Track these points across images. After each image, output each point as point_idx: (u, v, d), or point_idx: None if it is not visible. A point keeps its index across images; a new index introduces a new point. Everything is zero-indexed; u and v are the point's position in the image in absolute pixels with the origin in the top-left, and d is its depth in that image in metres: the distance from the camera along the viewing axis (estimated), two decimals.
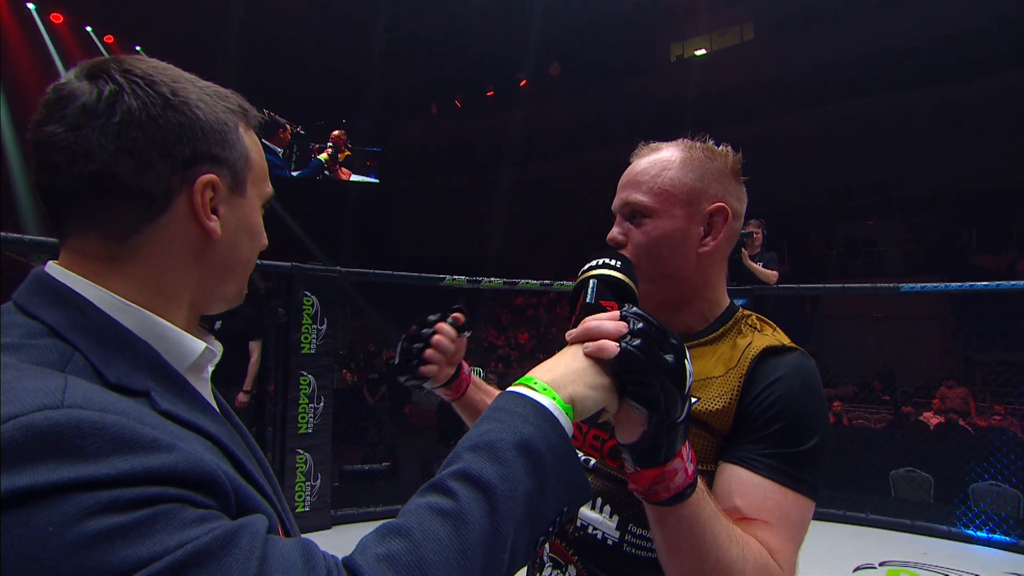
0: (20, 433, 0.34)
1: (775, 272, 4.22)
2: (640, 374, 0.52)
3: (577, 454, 0.49)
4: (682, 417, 0.55)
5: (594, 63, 15.09)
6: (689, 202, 0.79)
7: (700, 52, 15.01)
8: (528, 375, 0.52)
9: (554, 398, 0.49)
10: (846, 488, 4.03)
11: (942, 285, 4.27)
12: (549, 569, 0.82)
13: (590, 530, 0.78)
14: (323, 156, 15.58)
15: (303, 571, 0.37)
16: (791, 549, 0.67)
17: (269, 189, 0.59)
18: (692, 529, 0.60)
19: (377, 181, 16.52)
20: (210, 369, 0.56)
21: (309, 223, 14.35)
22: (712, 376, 0.76)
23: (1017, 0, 9.67)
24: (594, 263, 0.65)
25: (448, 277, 3.77)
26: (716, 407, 0.73)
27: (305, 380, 3.41)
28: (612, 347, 0.53)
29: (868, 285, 4.85)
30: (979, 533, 3.44)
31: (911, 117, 11.52)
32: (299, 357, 3.40)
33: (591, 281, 0.63)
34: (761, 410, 0.71)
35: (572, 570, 0.79)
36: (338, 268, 3.61)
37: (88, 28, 12.09)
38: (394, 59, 14.30)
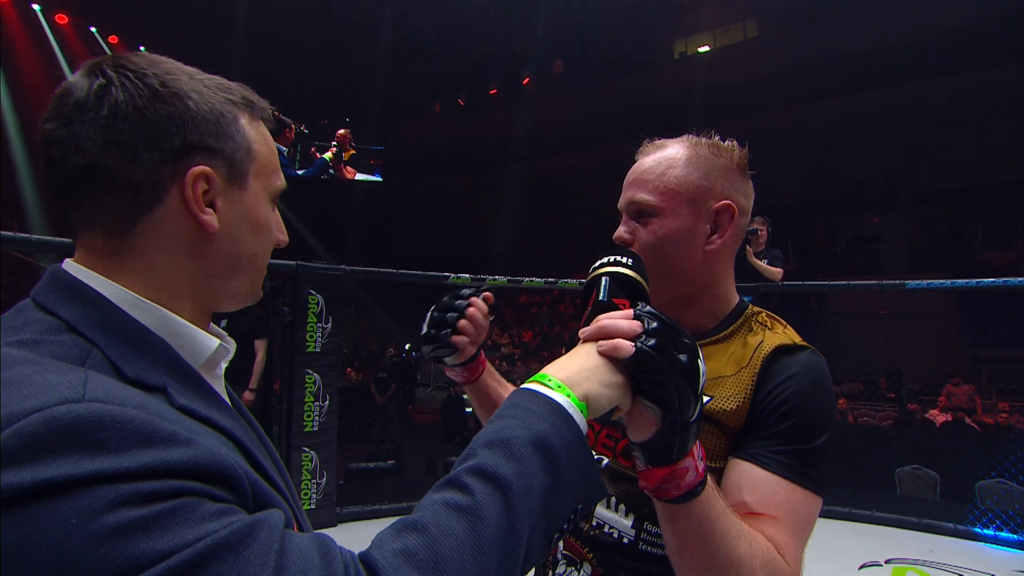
0: (44, 426, 0.34)
1: (780, 269, 4.21)
2: (655, 374, 0.52)
3: (591, 452, 0.50)
4: (695, 416, 0.55)
5: (597, 60, 15.04)
6: (695, 200, 0.79)
7: (704, 48, 14.93)
8: (542, 372, 0.52)
9: (569, 395, 0.49)
10: (852, 486, 4.01)
11: (948, 282, 4.24)
12: (563, 567, 0.82)
13: (606, 528, 0.78)
14: (328, 155, 15.60)
15: (320, 565, 0.37)
16: (798, 545, 0.68)
17: (279, 183, 0.58)
18: (702, 526, 0.60)
19: (381, 180, 16.54)
20: (223, 366, 0.57)
21: (313, 222, 14.38)
22: (724, 375, 0.76)
23: None
24: (605, 260, 0.65)
25: (452, 275, 3.78)
26: (730, 407, 0.73)
27: (310, 378, 3.42)
28: (627, 347, 0.53)
29: (874, 282, 4.83)
30: (986, 531, 3.42)
31: (917, 111, 11.44)
32: (304, 355, 3.41)
33: (603, 279, 0.63)
34: (773, 407, 0.72)
35: (587, 568, 0.79)
36: (342, 267, 3.62)
37: (92, 29, 12.14)
38: (397, 58, 14.31)
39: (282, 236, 0.59)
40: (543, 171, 16.49)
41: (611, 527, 0.78)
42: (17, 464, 0.33)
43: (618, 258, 0.64)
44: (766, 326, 0.82)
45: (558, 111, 15.93)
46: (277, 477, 0.51)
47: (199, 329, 0.52)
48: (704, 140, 0.83)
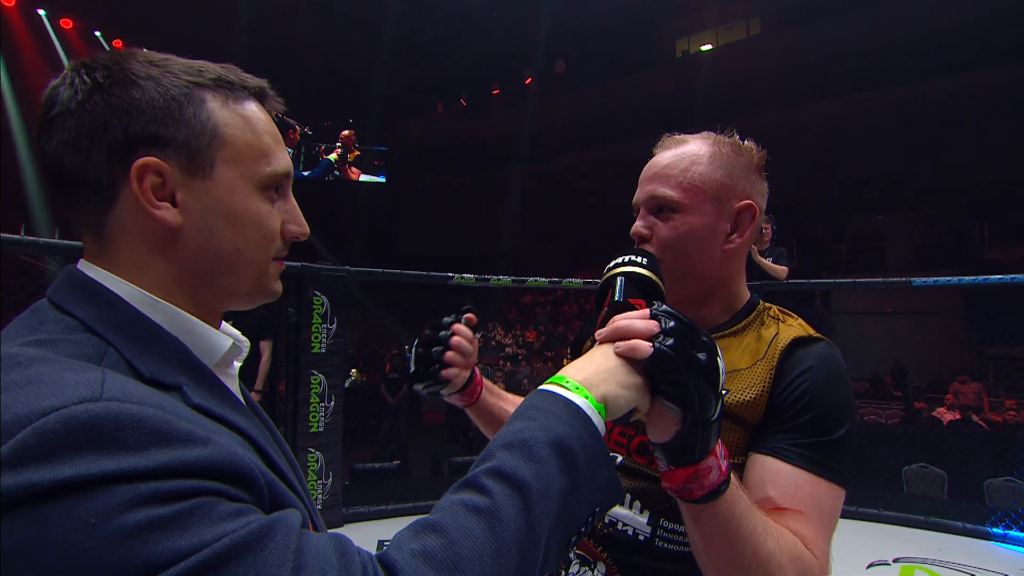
0: (62, 425, 0.34)
1: (785, 267, 4.20)
2: (674, 374, 0.52)
3: (610, 454, 0.49)
4: (716, 415, 0.55)
5: (599, 60, 15.03)
6: (719, 198, 0.78)
7: (706, 47, 14.90)
8: (560, 374, 0.52)
9: (587, 397, 0.49)
10: (858, 484, 3.99)
11: (955, 279, 4.22)
12: (576, 566, 0.81)
13: (619, 526, 0.78)
14: (333, 156, 15.64)
15: (338, 566, 0.37)
16: (825, 538, 0.67)
17: (268, 169, 0.52)
18: (728, 524, 0.59)
19: (384, 180, 16.57)
20: (237, 365, 0.56)
21: (317, 223, 14.34)
22: (739, 368, 0.76)
23: None
24: (620, 260, 0.64)
25: (456, 276, 3.78)
26: (747, 398, 0.73)
27: (316, 379, 3.43)
28: (645, 347, 0.52)
29: (879, 280, 4.81)
30: (995, 529, 3.40)
31: (921, 109, 11.38)
32: (309, 356, 3.42)
33: (618, 279, 0.62)
34: (791, 400, 0.72)
35: (601, 567, 0.79)
36: (346, 268, 3.63)
37: (97, 33, 12.21)
38: (398, 58, 14.32)
39: (295, 227, 0.55)
40: (545, 171, 16.48)
41: (625, 524, 0.77)
42: (36, 463, 0.33)
43: (633, 258, 0.64)
44: (779, 319, 0.81)
45: (560, 111, 15.93)
46: (292, 477, 0.51)
47: (212, 328, 0.51)
48: (726, 138, 0.82)
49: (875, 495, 3.83)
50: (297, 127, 15.07)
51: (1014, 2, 9.88)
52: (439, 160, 17.60)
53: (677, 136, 0.84)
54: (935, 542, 3.35)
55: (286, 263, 0.57)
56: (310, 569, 0.36)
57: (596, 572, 0.79)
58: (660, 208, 0.79)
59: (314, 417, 3.40)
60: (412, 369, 0.90)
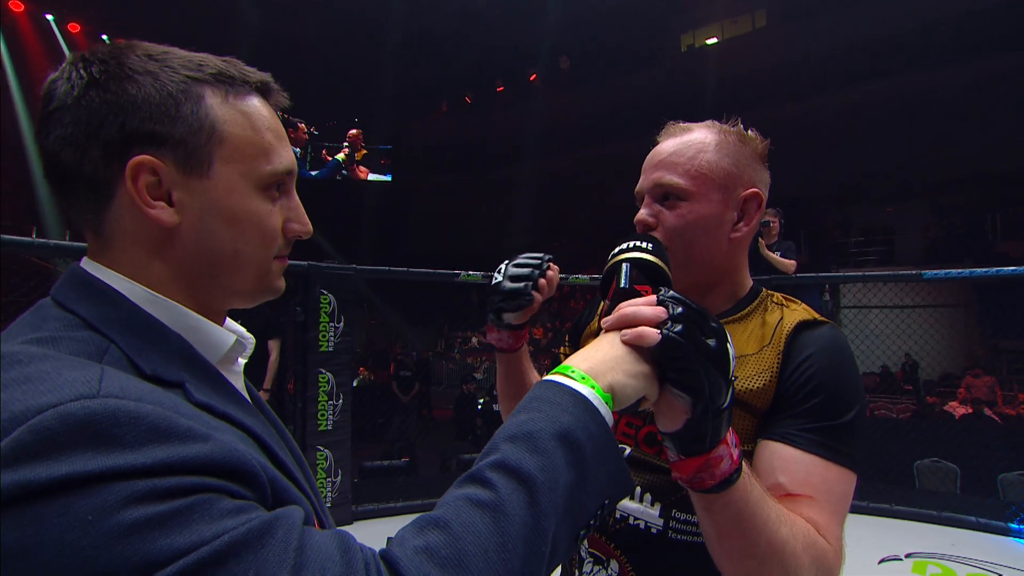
0: (58, 422, 0.34)
1: (793, 261, 4.16)
2: (683, 361, 0.51)
3: (618, 444, 0.48)
4: (727, 403, 0.53)
5: (604, 55, 14.97)
6: (726, 187, 0.77)
7: (712, 41, 14.78)
8: (565, 364, 0.51)
9: (593, 387, 0.48)
10: (870, 479, 3.96)
11: (966, 271, 4.15)
12: (590, 565, 0.80)
13: (631, 521, 0.76)
14: (340, 156, 15.70)
15: (340, 563, 0.36)
16: (838, 524, 0.66)
17: (268, 167, 0.50)
18: (741, 513, 0.58)
19: (389, 179, 16.61)
20: (242, 362, 0.56)
21: (324, 222, 14.46)
22: (746, 354, 0.75)
23: None
24: (624, 246, 0.63)
25: (463, 273, 3.78)
26: (756, 385, 0.72)
27: (324, 378, 3.44)
28: (653, 334, 0.51)
29: (890, 273, 4.75)
30: (1009, 524, 3.36)
31: (929, 100, 11.24)
32: (317, 355, 3.43)
33: (623, 265, 0.61)
34: (799, 385, 0.71)
35: (614, 564, 0.77)
36: (353, 266, 3.64)
37: (104, 36, 12.31)
38: (403, 57, 14.33)
39: (298, 226, 0.54)
40: (551, 167, 16.45)
41: (636, 518, 0.76)
42: (33, 460, 0.33)
43: (637, 243, 0.63)
44: (782, 305, 0.81)
45: (565, 107, 15.88)
46: (298, 474, 0.51)
47: (215, 324, 0.51)
48: (731, 127, 0.81)
49: (887, 490, 3.79)
50: (302, 126, 15.13)
51: None
52: (444, 158, 17.61)
53: (682, 124, 0.83)
54: (948, 537, 3.31)
55: (292, 262, 0.56)
56: (311, 566, 0.35)
57: (609, 570, 0.78)
58: (666, 196, 0.78)
59: (323, 415, 3.42)
60: (498, 281, 0.92)
